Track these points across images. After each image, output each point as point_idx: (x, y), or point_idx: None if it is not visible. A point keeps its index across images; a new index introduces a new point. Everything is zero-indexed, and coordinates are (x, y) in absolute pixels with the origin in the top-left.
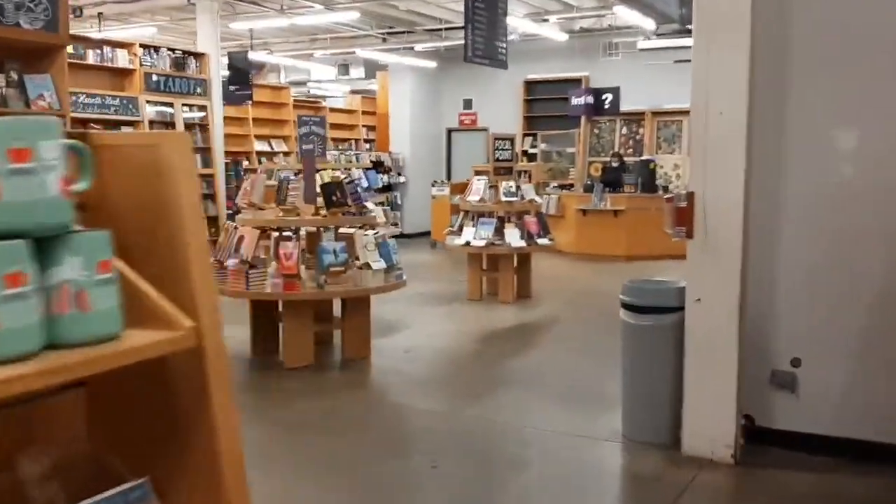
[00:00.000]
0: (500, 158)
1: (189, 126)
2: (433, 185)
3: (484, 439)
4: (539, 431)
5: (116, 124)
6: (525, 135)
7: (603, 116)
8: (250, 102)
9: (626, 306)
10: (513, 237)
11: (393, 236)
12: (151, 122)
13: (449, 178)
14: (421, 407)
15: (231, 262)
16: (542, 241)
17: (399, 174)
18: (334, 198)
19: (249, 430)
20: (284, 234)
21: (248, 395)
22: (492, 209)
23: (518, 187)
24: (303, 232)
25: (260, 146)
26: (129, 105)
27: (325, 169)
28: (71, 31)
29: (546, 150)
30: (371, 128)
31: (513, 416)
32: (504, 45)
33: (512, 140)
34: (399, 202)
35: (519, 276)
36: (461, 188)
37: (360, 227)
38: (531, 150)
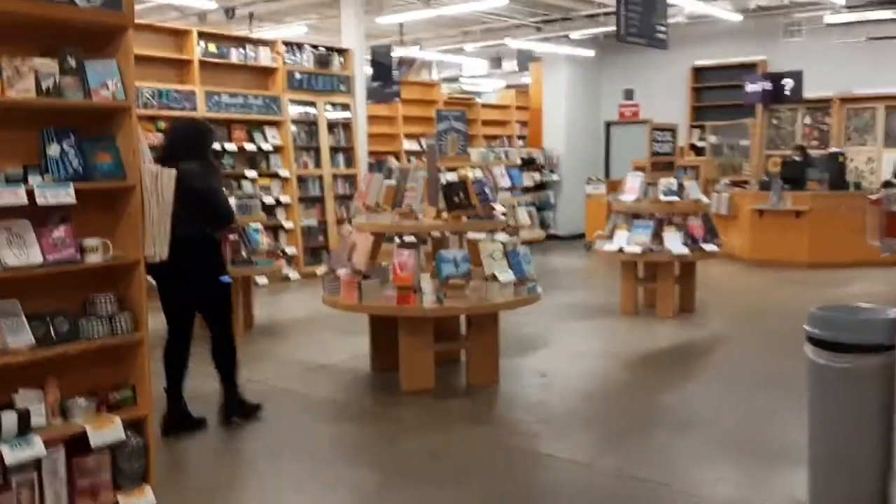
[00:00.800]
0: (660, 152)
1: (332, 125)
2: (588, 183)
3: None
4: (695, 499)
5: (258, 124)
6: (693, 126)
7: (782, 104)
8: (398, 100)
9: (815, 341)
10: (674, 243)
11: (541, 240)
12: (294, 122)
13: (607, 175)
14: (549, 452)
15: (342, 272)
16: (709, 247)
17: (552, 171)
18: (456, 199)
19: (345, 472)
20: (406, 240)
21: (353, 424)
22: (649, 210)
23: (681, 185)
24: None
25: (409, 145)
26: (271, 104)
27: (457, 168)
28: (224, 32)
29: (716, 143)
30: (525, 124)
31: (662, 471)
32: (664, 24)
33: (673, 131)
34: (552, 202)
35: (681, 288)
36: (618, 186)
37: (494, 233)
38: (699, 144)
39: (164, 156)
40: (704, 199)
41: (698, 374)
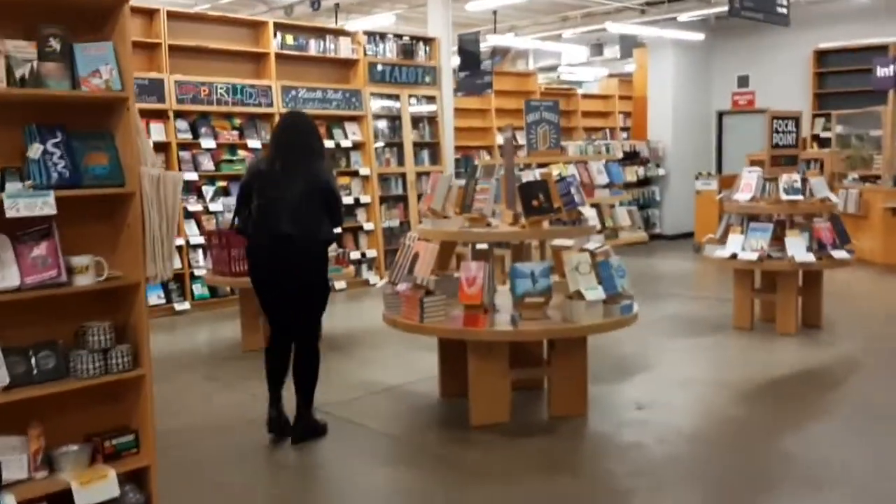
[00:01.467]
0: (781, 144)
1: (416, 120)
2: (697, 179)
3: None
4: None
5: (339, 119)
6: (815, 115)
7: None
8: (490, 91)
9: None
10: (797, 248)
11: (644, 242)
12: (375, 116)
13: (719, 169)
14: None
15: (402, 287)
16: (839, 253)
17: (658, 166)
18: (535, 202)
19: None
20: (478, 248)
21: (409, 469)
22: (768, 211)
23: (804, 181)
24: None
25: (502, 139)
26: (351, 98)
27: (548, 164)
28: (302, 23)
29: (843, 133)
30: (628, 115)
31: None
32: None
33: (797, 119)
34: (657, 198)
35: (805, 299)
36: (731, 181)
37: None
38: (823, 135)
39: (285, 153)
40: (833, 198)
41: (828, 410)
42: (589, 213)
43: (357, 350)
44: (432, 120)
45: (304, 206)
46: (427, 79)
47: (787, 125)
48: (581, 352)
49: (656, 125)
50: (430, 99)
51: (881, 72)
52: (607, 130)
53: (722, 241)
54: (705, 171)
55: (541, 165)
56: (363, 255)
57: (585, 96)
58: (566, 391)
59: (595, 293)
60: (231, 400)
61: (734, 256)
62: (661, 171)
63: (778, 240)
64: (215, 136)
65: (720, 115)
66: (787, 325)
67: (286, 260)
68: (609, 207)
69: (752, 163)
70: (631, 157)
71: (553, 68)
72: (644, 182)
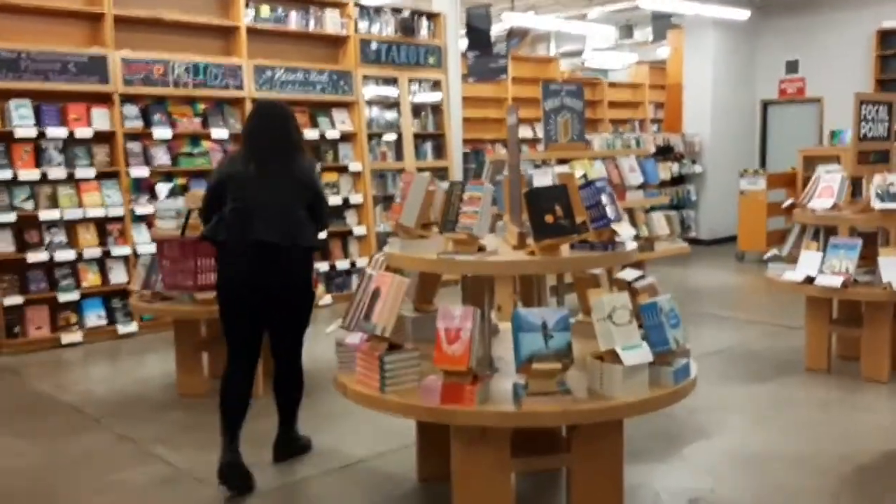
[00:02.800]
0: (870, 136)
1: (417, 108)
2: (742, 176)
3: None
4: None
5: (325, 106)
6: None
7: None
8: (504, 76)
9: None
10: (890, 271)
11: (686, 254)
12: (369, 103)
13: (763, 164)
14: None
15: (352, 339)
16: None
17: (694, 162)
18: (549, 217)
19: None
20: (470, 280)
21: None
22: (856, 223)
23: None
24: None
25: (521, 132)
26: (340, 81)
27: (571, 160)
28: None
29: None
30: (660, 105)
31: None
32: None
33: (890, 106)
34: (693, 198)
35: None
36: (784, 180)
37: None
38: None
39: (261, 149)
40: None
41: None
42: (626, 231)
43: (315, 399)
44: (436, 108)
45: (286, 209)
46: (430, 60)
47: (877, 111)
48: (615, 437)
49: (692, 116)
50: (435, 84)
51: None
52: (636, 123)
53: (791, 258)
54: (751, 169)
55: (561, 162)
56: (353, 264)
57: (613, 85)
58: (593, 485)
59: (637, 354)
60: (142, 478)
61: (810, 280)
62: (697, 168)
63: (865, 258)
64: (172, 125)
65: (765, 104)
66: (877, 370)
67: (269, 271)
68: (643, 213)
69: (808, 159)
70: (664, 153)
71: (577, 53)
72: (678, 180)
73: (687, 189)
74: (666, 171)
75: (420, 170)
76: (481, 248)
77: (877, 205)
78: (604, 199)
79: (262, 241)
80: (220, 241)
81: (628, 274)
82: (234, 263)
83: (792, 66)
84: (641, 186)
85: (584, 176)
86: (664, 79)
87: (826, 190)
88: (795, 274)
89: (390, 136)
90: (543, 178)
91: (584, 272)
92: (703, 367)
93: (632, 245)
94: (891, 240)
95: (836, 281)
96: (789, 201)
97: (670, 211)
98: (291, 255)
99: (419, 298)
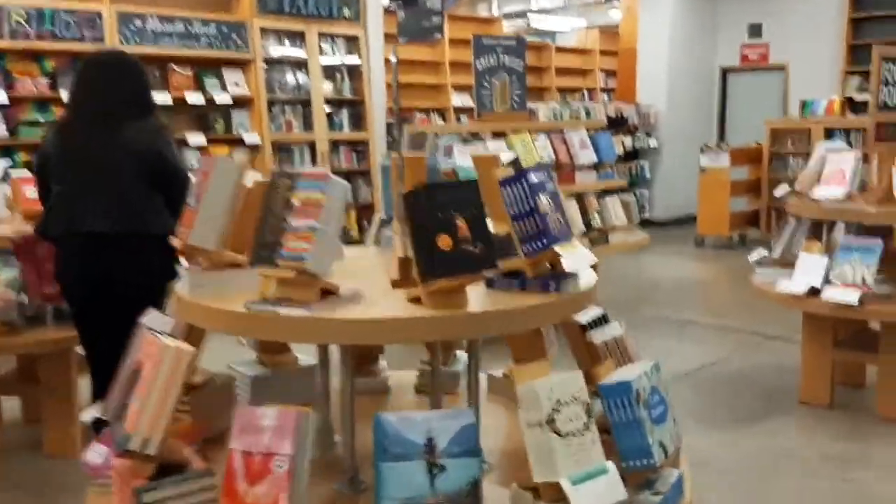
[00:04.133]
0: (891, 105)
1: (330, 69)
2: (703, 152)
3: None
4: None
5: (212, 64)
6: (849, 74)
7: None
8: (439, 37)
9: None
10: None
11: (644, 245)
12: (269, 62)
13: (722, 138)
14: None
15: (96, 454)
16: None
17: (649, 135)
18: (443, 241)
19: None
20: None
21: None
22: (877, 219)
23: None
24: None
25: (460, 100)
26: (232, 35)
27: (508, 133)
28: None
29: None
30: (612, 73)
31: None
32: None
33: None
34: (647, 175)
35: None
36: (748, 156)
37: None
38: (859, 97)
39: (91, 112)
40: None
41: None
42: (579, 257)
43: None
44: (355, 70)
45: (119, 190)
46: (346, 12)
47: None
48: None
49: (647, 85)
50: (352, 41)
51: None
52: (585, 91)
53: (784, 261)
54: (712, 144)
55: (497, 136)
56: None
57: (560, 50)
58: None
59: (596, 489)
60: None
61: (815, 292)
62: (652, 142)
63: (888, 265)
64: (9, 86)
65: (724, 72)
66: (893, 406)
67: (104, 268)
68: (596, 198)
69: (775, 132)
70: (616, 125)
71: (522, 14)
72: (631, 155)
73: (641, 165)
74: (618, 145)
75: (335, 143)
76: (328, 292)
77: None
78: (542, 201)
79: (90, 231)
80: (50, 236)
81: (583, 314)
82: (65, 262)
83: (755, 31)
84: (595, 166)
85: (516, 161)
86: (616, 44)
87: (835, 175)
88: (794, 284)
89: (296, 102)
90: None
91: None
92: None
93: (587, 279)
94: None
95: (852, 296)
96: (783, 188)
97: (627, 195)
98: (131, 247)
99: (265, 345)
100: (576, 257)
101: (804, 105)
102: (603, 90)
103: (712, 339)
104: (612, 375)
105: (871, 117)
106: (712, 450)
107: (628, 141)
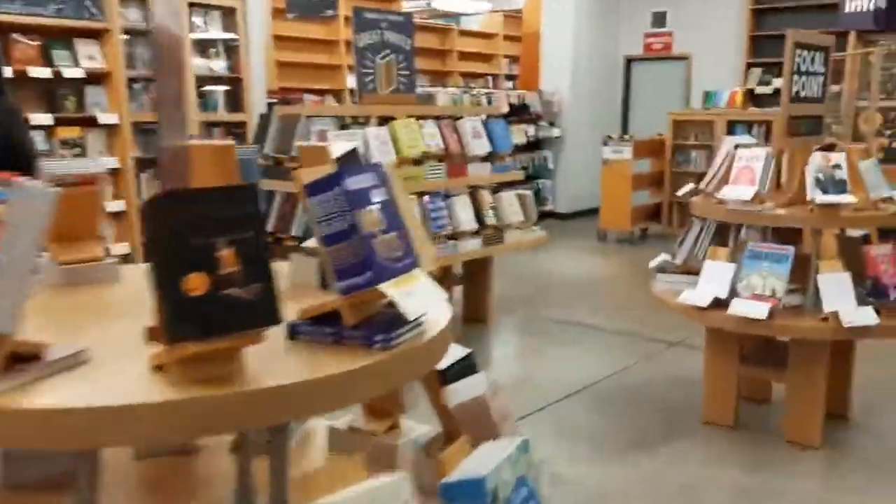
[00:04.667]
0: (805, 96)
1: (204, 43)
2: (606, 144)
3: None
4: None
5: (63, 35)
6: (751, 65)
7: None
8: (332, 13)
9: None
10: (839, 295)
11: (542, 243)
12: (129, 33)
13: (625, 129)
14: None
15: None
16: None
17: (552, 124)
18: (193, 284)
19: None
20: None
21: None
22: (789, 222)
23: (837, 167)
24: None
25: (350, 82)
26: (85, 2)
27: (391, 119)
28: None
29: None
30: (516, 60)
31: None
32: None
33: (826, 53)
34: (550, 166)
35: (832, 383)
36: (651, 148)
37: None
38: (760, 90)
39: None
40: None
41: None
42: (419, 297)
43: None
44: (232, 45)
45: None
46: None
47: (812, 61)
48: None
49: (551, 72)
50: (229, 13)
51: (852, 5)
52: (490, 78)
53: (687, 268)
54: (616, 135)
55: (383, 121)
56: (107, 251)
57: (465, 33)
58: None
59: None
60: None
61: (720, 304)
62: (555, 132)
63: (798, 276)
64: None
65: (628, 61)
66: (806, 431)
67: None
68: (490, 193)
69: (678, 123)
70: (518, 113)
71: None
72: (534, 145)
73: (544, 155)
74: (521, 134)
75: (209, 125)
76: (24, 357)
77: (817, 197)
78: (368, 216)
79: None
80: None
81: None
82: None
83: (659, 19)
84: (489, 157)
85: (352, 154)
86: (520, 29)
87: (744, 173)
88: (698, 294)
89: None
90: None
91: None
92: (563, 419)
93: (437, 325)
94: (823, 246)
95: (761, 309)
96: (688, 187)
97: (524, 190)
98: None
99: None
100: (419, 295)
101: (707, 96)
102: (507, 77)
103: (611, 347)
104: (462, 466)
105: (783, 109)
106: (609, 482)
107: (531, 130)
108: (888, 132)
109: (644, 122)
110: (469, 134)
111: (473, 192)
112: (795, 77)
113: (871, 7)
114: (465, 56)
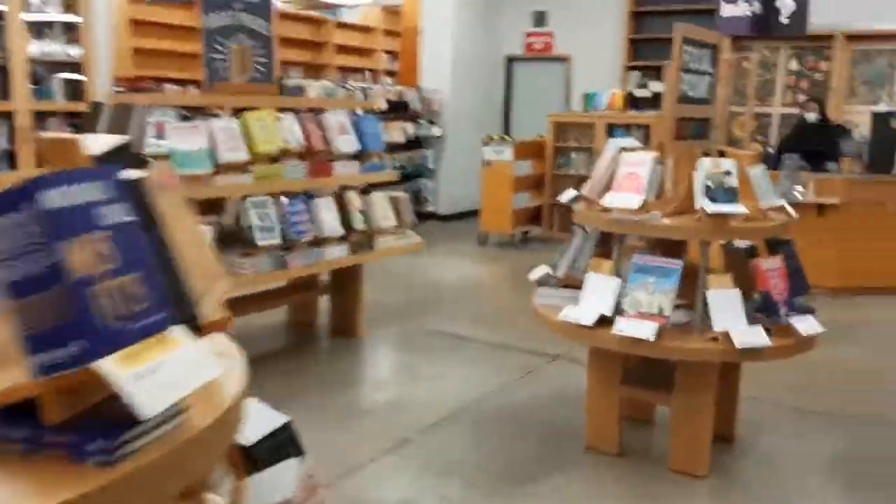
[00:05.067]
0: (693, 96)
1: (39, 24)
2: (487, 145)
3: None
4: None
5: None
6: (629, 69)
7: (769, 41)
8: None
9: None
10: (728, 312)
11: (418, 250)
12: None
13: (507, 130)
14: None
15: None
16: (806, 324)
17: (433, 123)
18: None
19: None
20: None
21: None
22: (667, 232)
23: (727, 173)
24: None
25: None
26: None
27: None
28: None
29: (664, 93)
30: (395, 55)
31: None
32: None
33: (715, 50)
34: (431, 166)
35: (720, 402)
36: (532, 150)
37: None
38: (638, 93)
39: None
40: (789, 207)
41: None
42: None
43: None
44: (72, 27)
45: None
46: None
47: (700, 60)
48: None
49: (431, 69)
50: None
51: (730, 11)
52: (368, 73)
53: (570, 280)
54: (497, 135)
55: (238, 112)
56: None
57: (342, 26)
58: None
59: None
60: None
61: (605, 322)
62: (436, 131)
63: (685, 292)
64: None
65: (510, 60)
66: (693, 459)
67: None
68: (359, 195)
69: (559, 125)
70: (397, 110)
71: None
72: (414, 144)
73: (424, 155)
74: (399, 132)
75: (44, 114)
76: None
77: (708, 206)
78: (80, 251)
79: None
80: None
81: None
82: None
83: (539, 19)
84: (358, 156)
85: (108, 155)
86: (400, 24)
87: (630, 179)
88: (581, 312)
89: None
90: (191, 138)
91: None
92: (434, 451)
93: (210, 424)
94: (711, 259)
95: (647, 329)
96: (571, 192)
97: (398, 192)
98: None
99: None
100: (172, 371)
101: (587, 98)
102: (387, 72)
103: (490, 361)
104: None
105: (669, 109)
106: None
107: (410, 128)
108: (760, 137)
109: (526, 122)
110: (334, 129)
111: (339, 193)
112: (682, 75)
113: (748, 13)
114: (342, 49)
